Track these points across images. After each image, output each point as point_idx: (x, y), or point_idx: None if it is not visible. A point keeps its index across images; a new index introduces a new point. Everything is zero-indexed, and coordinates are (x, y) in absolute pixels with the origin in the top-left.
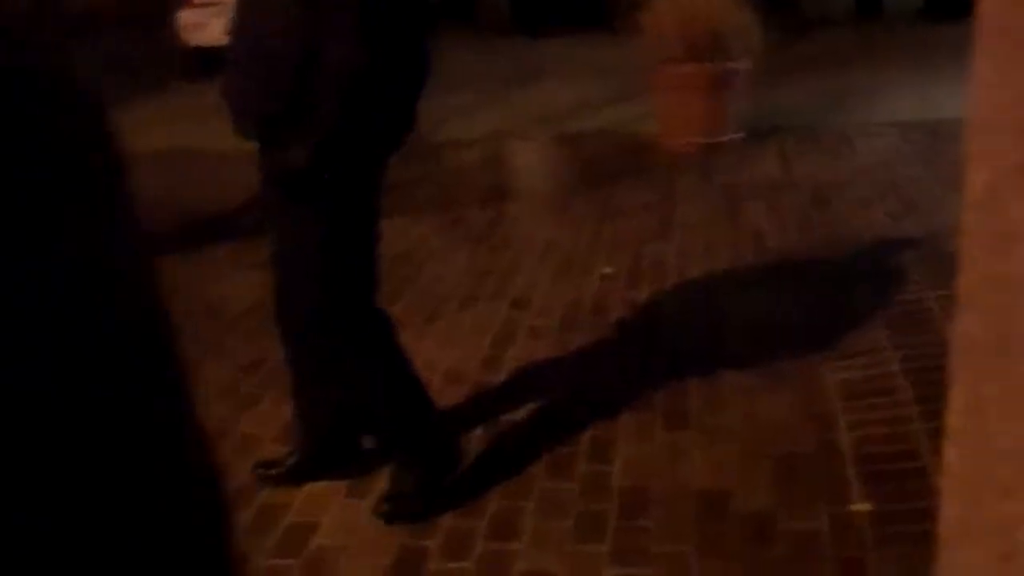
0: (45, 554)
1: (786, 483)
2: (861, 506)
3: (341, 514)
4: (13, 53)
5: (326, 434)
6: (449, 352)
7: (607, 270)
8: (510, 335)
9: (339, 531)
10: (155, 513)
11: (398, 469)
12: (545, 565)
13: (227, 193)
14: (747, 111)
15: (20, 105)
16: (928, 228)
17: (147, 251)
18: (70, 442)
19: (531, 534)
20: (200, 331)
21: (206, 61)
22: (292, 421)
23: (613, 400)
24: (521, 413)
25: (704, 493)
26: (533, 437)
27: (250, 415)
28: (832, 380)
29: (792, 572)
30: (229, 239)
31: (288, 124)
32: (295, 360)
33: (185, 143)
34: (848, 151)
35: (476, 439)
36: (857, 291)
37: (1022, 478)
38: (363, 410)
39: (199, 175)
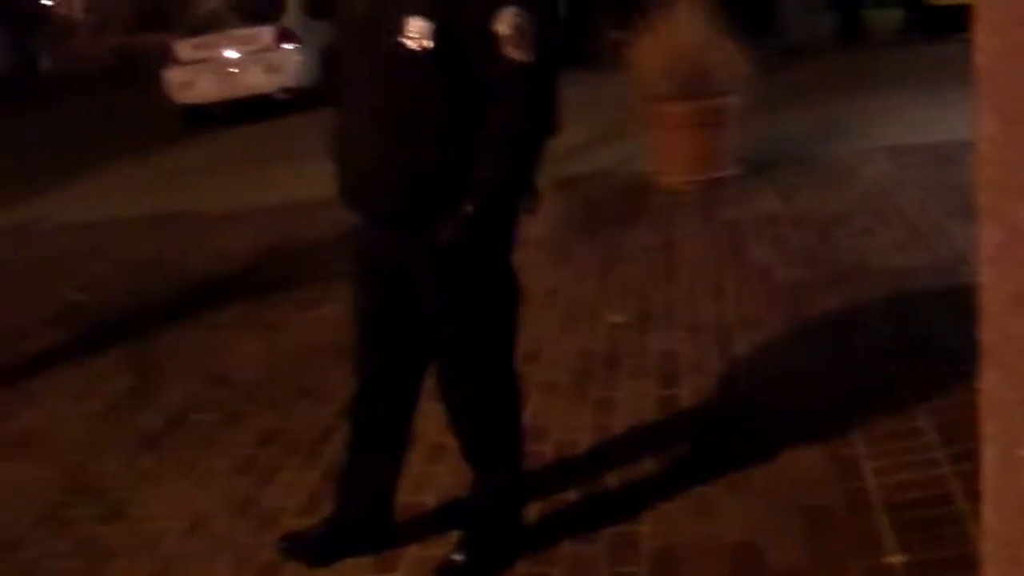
0: None
1: (817, 536)
2: (896, 558)
3: None
4: None
5: (369, 507)
6: None
7: (616, 318)
8: (523, 390)
9: None
10: None
11: (474, 538)
12: None
13: (224, 256)
14: (741, 144)
15: None
16: (936, 256)
17: None
18: None
19: None
20: (213, 401)
21: (196, 119)
22: (337, 490)
23: (635, 455)
24: (540, 473)
25: (736, 549)
26: (555, 498)
27: (272, 488)
28: (853, 423)
29: None
30: (230, 304)
31: (436, 197)
32: (367, 427)
33: (179, 205)
34: (846, 180)
35: None
36: (871, 327)
37: None
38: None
39: (195, 238)
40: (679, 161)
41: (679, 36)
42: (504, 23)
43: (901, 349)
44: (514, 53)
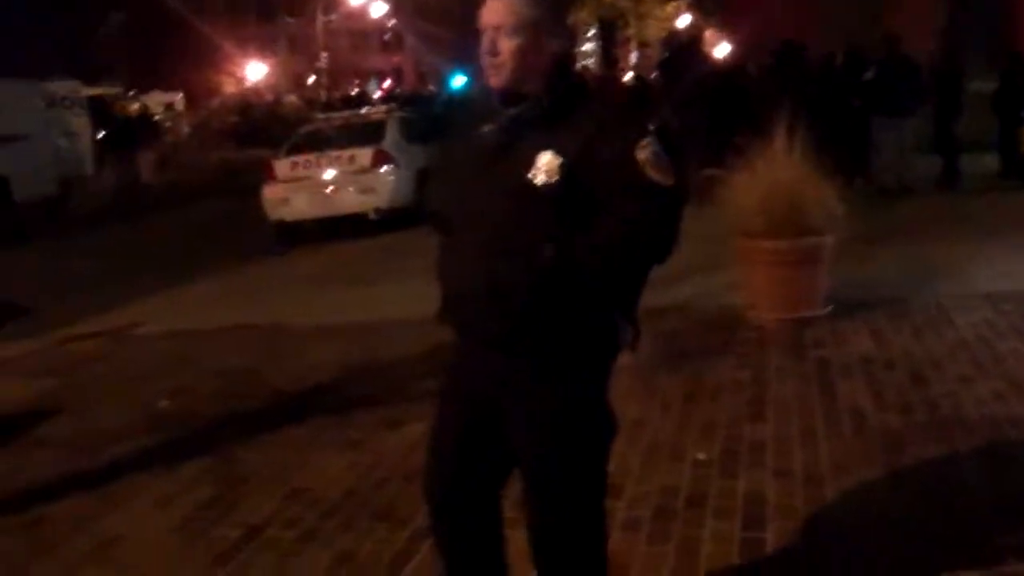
0: None
1: None
2: None
3: None
4: None
5: None
6: None
7: (701, 455)
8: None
9: None
10: None
11: None
12: None
13: (311, 371)
14: (833, 283)
15: None
16: None
17: None
18: None
19: None
20: (291, 518)
21: (289, 234)
22: None
23: None
24: None
25: None
26: None
27: None
28: None
29: None
30: (314, 419)
31: (542, 324)
32: (453, 554)
33: (269, 317)
34: (942, 325)
35: None
36: (968, 480)
37: None
38: None
39: (283, 351)
40: (771, 297)
41: (775, 174)
42: (645, 150)
43: (1000, 505)
44: (656, 176)
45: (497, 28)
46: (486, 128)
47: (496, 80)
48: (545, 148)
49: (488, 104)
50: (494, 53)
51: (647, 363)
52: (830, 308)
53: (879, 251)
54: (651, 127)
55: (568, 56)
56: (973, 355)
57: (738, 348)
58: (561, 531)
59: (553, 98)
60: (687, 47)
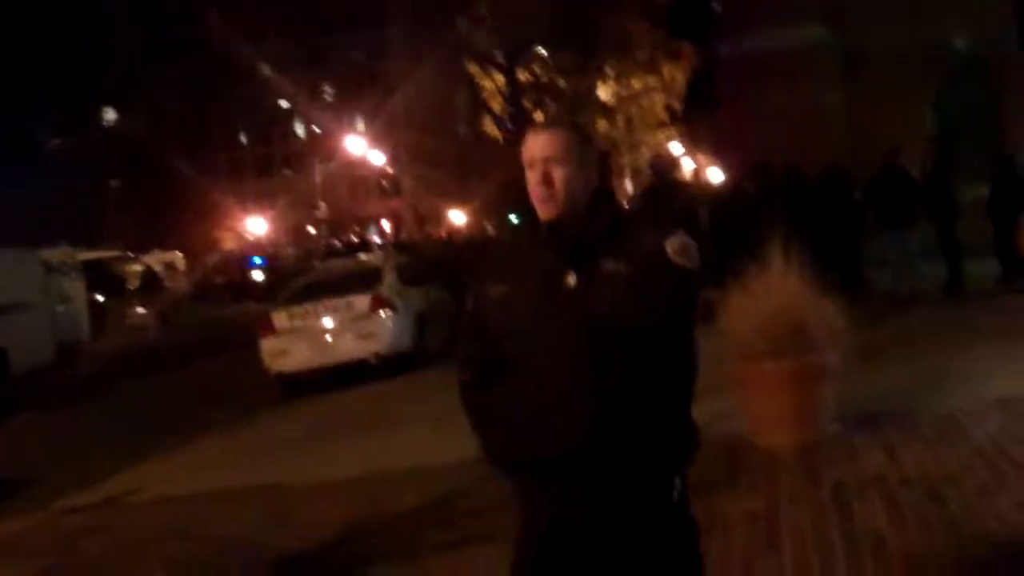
0: None
1: None
2: None
3: None
4: None
5: None
6: None
7: None
8: None
9: None
10: None
11: None
12: None
13: (309, 532)
14: (840, 399)
15: None
16: None
17: None
18: None
19: None
20: None
21: (290, 386)
22: None
23: None
24: None
25: None
26: None
27: None
28: None
29: None
30: None
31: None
32: None
33: (268, 478)
34: (956, 435)
35: None
36: None
37: None
38: None
39: (281, 513)
40: (776, 421)
41: (773, 294)
42: (674, 242)
43: None
44: (681, 261)
45: (546, 160)
46: (544, 259)
47: (550, 210)
48: (614, 263)
49: (531, 237)
50: (548, 183)
51: None
52: (840, 426)
53: (885, 362)
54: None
55: (605, 183)
56: (991, 465)
57: (748, 475)
58: None
59: (603, 222)
60: (671, 171)
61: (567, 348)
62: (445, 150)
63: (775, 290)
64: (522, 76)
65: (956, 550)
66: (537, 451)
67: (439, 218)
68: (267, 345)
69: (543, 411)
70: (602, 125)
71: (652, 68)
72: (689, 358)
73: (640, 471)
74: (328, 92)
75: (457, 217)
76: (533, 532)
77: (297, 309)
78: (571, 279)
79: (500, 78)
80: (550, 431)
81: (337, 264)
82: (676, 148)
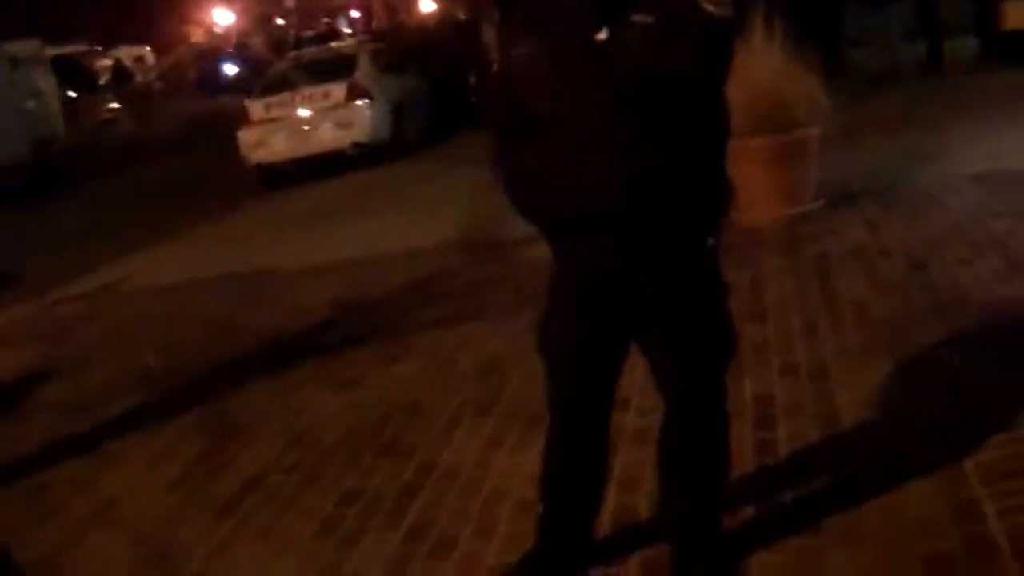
0: None
1: None
2: None
3: None
4: None
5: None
6: None
7: None
8: (612, 443)
9: None
10: None
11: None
12: None
13: (301, 313)
14: (822, 177)
15: None
16: None
17: None
18: None
19: None
20: (292, 463)
21: (270, 177)
22: (538, 526)
23: (732, 504)
24: (632, 525)
25: None
26: (648, 552)
27: (354, 552)
28: (969, 465)
29: None
30: (306, 361)
31: (684, 185)
32: (568, 466)
33: (256, 263)
34: (935, 209)
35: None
36: (979, 363)
37: None
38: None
39: (272, 295)
40: (761, 197)
41: (755, 71)
42: None
43: (1014, 384)
44: (714, 9)
45: None
46: (574, 12)
47: None
48: (645, 15)
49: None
50: None
51: None
52: (822, 201)
53: (866, 140)
54: None
55: None
56: (969, 236)
57: (733, 251)
58: (697, 401)
59: None
60: None
61: (601, 103)
62: None
63: (758, 67)
64: None
65: (937, 315)
66: (574, 207)
67: (409, 7)
68: (244, 136)
69: (578, 167)
70: None
71: None
72: (723, 112)
73: (674, 226)
74: None
75: (427, 4)
76: (565, 286)
77: (273, 99)
78: (602, 33)
79: None
80: (586, 187)
81: (312, 52)
82: None
